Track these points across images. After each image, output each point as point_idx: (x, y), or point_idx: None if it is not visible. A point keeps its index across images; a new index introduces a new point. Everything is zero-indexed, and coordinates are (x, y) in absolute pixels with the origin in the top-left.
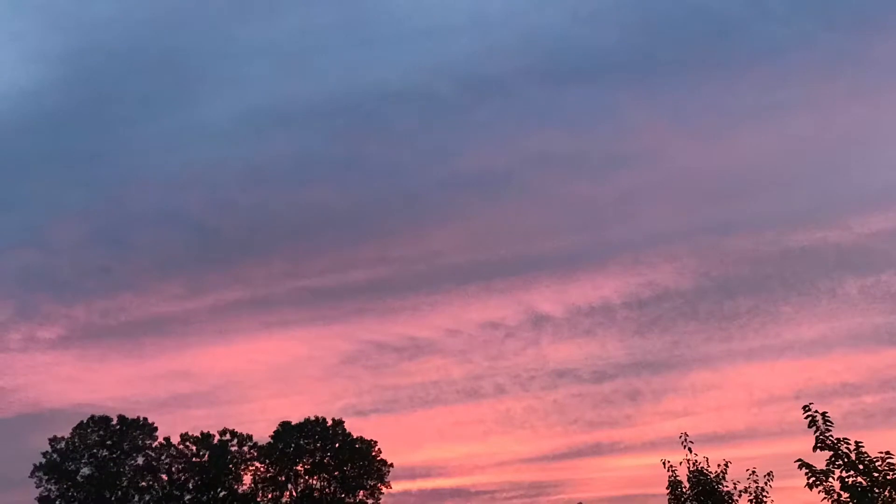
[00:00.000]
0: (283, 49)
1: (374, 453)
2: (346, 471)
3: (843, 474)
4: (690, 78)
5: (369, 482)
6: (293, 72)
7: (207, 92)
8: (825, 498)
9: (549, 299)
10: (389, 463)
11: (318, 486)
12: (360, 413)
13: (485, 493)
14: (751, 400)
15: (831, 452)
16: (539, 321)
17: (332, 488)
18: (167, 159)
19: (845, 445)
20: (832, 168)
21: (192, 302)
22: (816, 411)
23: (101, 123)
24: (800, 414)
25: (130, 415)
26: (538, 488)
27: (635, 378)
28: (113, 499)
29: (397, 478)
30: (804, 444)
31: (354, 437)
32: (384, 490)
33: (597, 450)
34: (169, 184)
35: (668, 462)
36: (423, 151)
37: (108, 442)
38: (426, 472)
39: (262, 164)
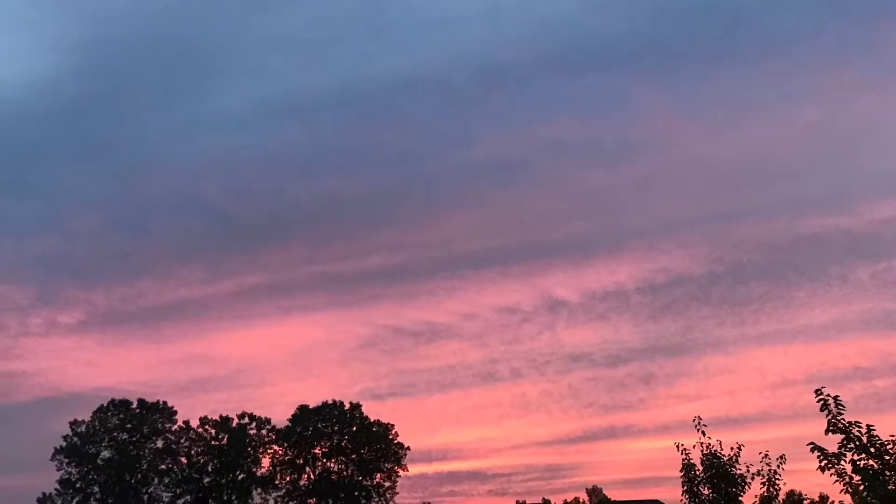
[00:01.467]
0: (299, 39)
1: (391, 436)
2: (363, 454)
3: (855, 457)
4: (702, 67)
5: (386, 465)
6: (308, 61)
7: (224, 81)
8: (837, 480)
9: (564, 284)
10: (406, 446)
11: (335, 468)
12: (378, 397)
13: (501, 475)
14: (763, 384)
15: (843, 436)
16: (554, 306)
17: (349, 471)
18: (184, 147)
19: (857, 429)
20: (843, 156)
21: (211, 287)
22: (828, 395)
23: (119, 112)
24: (812, 398)
25: (150, 398)
26: (553, 471)
27: (649, 362)
28: (133, 481)
29: (414, 461)
30: (816, 428)
31: (372, 420)
32: (401, 473)
33: (611, 433)
34: (186, 171)
35: (682, 445)
36: (437, 139)
37: (128, 425)
38: (442, 456)
39: (278, 151)
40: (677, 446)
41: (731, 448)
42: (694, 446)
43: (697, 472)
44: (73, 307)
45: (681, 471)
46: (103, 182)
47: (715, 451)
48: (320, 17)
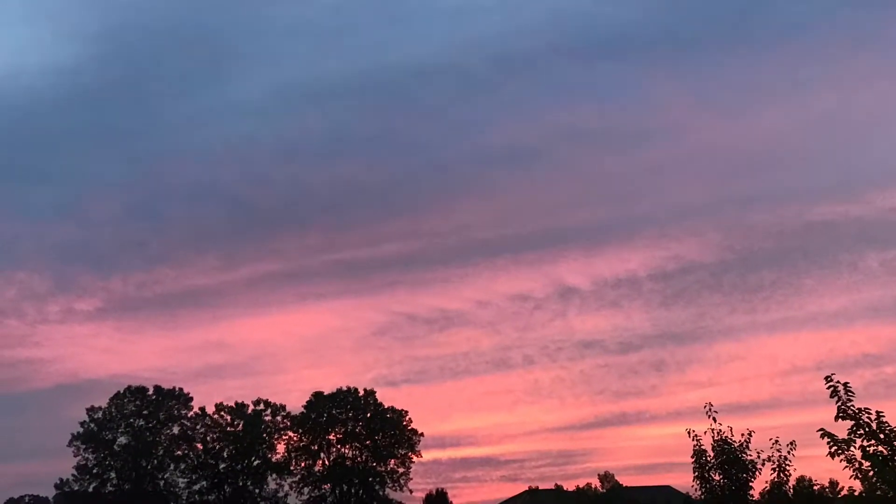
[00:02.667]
0: (316, 26)
1: (404, 423)
2: (377, 440)
3: (864, 443)
4: (715, 54)
5: (400, 451)
6: (326, 49)
7: (241, 69)
8: (846, 466)
9: (576, 272)
10: (420, 432)
11: (349, 454)
12: (392, 383)
13: (513, 461)
14: (774, 370)
15: (853, 422)
16: (566, 293)
17: (363, 457)
18: (202, 135)
19: (866, 415)
20: (854, 144)
21: (227, 274)
22: (838, 382)
23: (137, 99)
24: (822, 384)
25: (166, 385)
26: (566, 457)
27: (661, 349)
28: (149, 467)
29: (427, 447)
30: (826, 414)
31: (386, 406)
32: (415, 459)
33: (623, 419)
34: (204, 158)
35: (693, 431)
36: (453, 127)
37: (145, 412)
38: (456, 442)
39: (295, 139)
40: (688, 432)
41: (742, 434)
42: (705, 432)
43: (708, 458)
44: (90, 294)
45: (692, 457)
46: (121, 169)
47: (726, 437)
48: (337, 4)
